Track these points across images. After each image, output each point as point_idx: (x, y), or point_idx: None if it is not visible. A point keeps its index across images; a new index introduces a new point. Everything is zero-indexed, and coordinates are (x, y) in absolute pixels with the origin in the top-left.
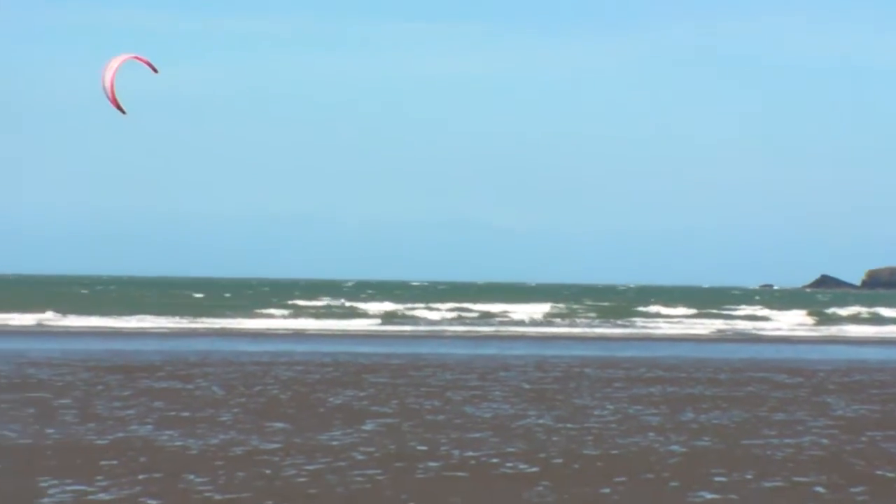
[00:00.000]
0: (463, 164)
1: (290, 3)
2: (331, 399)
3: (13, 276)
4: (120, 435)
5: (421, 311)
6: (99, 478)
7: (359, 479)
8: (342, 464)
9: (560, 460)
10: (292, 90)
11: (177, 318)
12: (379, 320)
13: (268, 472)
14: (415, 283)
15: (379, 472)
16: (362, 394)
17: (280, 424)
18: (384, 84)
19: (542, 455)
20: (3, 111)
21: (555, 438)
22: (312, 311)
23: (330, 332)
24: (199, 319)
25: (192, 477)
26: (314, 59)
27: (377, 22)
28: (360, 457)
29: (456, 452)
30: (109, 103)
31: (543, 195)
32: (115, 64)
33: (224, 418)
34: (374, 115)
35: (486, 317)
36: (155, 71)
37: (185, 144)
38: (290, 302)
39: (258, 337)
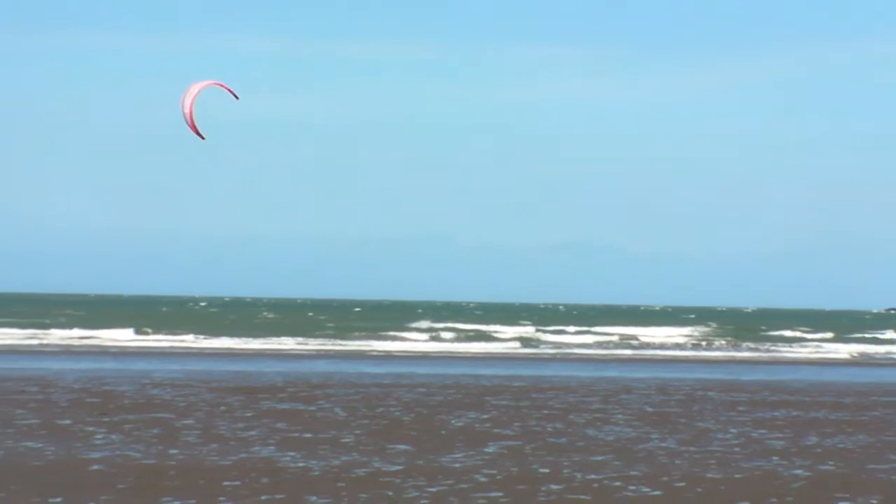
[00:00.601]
0: (586, 187)
1: (408, 28)
2: (453, 421)
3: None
4: (242, 456)
5: (543, 334)
6: (221, 499)
7: (481, 501)
8: (464, 486)
9: (682, 484)
10: (418, 114)
11: (300, 339)
12: (503, 343)
13: (390, 493)
14: (540, 305)
15: (501, 494)
16: (484, 416)
17: (402, 446)
18: (505, 107)
19: (665, 479)
20: (126, 135)
21: (677, 462)
22: (437, 333)
23: (452, 354)
24: (329, 341)
25: (314, 498)
26: (434, 84)
27: (497, 46)
28: (482, 479)
29: (578, 475)
30: (188, 129)
31: (667, 218)
32: (195, 90)
33: (346, 440)
34: (495, 139)
35: (608, 339)
36: (236, 97)
37: (296, 169)
38: (412, 325)
39: (380, 359)
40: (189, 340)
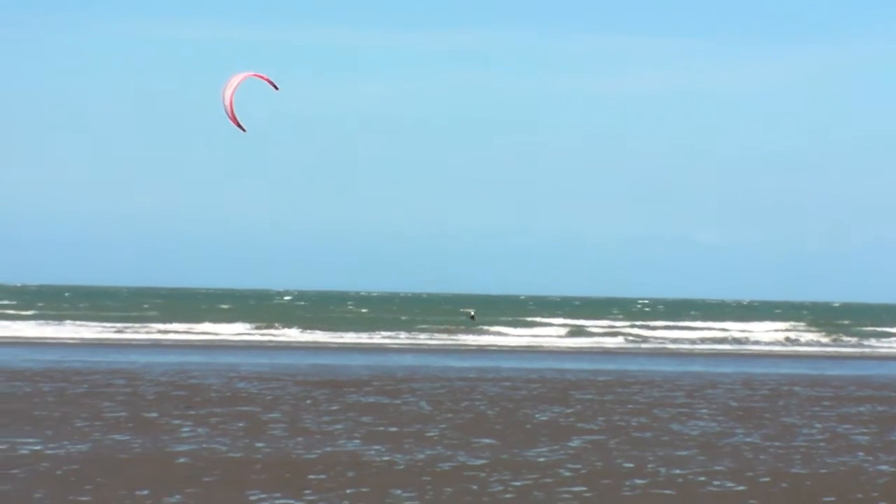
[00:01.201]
0: (662, 179)
1: (476, 18)
2: (537, 415)
3: (240, 290)
4: (328, 449)
5: (628, 328)
6: (307, 492)
7: (565, 495)
8: (549, 480)
9: (767, 479)
10: (493, 105)
11: (381, 333)
12: (584, 336)
13: (475, 487)
14: (616, 299)
15: (585, 489)
16: (569, 410)
17: (487, 440)
18: (576, 98)
19: (750, 473)
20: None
21: (762, 457)
22: (519, 325)
23: (533, 349)
24: (412, 334)
25: (399, 492)
26: (506, 75)
27: (568, 35)
28: (567, 473)
29: (662, 470)
30: (229, 120)
31: (744, 211)
32: (235, 82)
33: (431, 434)
34: (568, 130)
35: (690, 333)
36: (276, 88)
37: (365, 161)
38: (495, 318)
39: (465, 352)
40: (276, 334)
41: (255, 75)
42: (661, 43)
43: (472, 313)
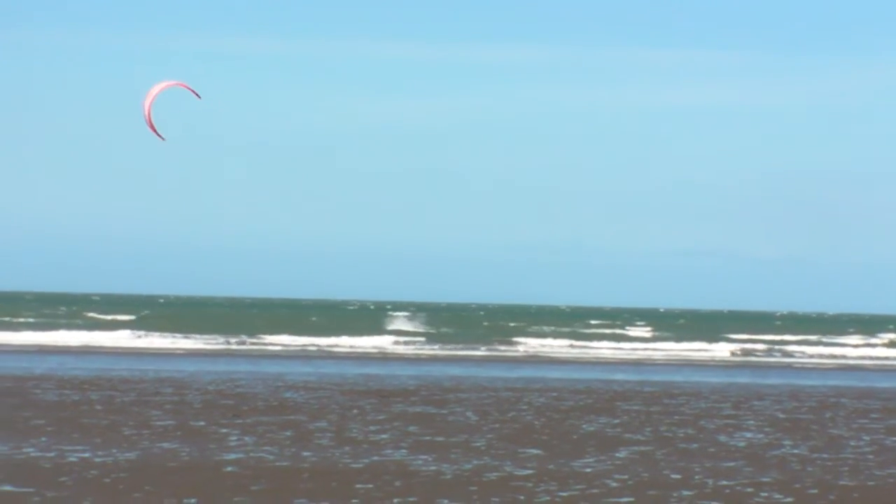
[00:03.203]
0: (712, 192)
1: (539, 30)
2: (584, 426)
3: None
4: (375, 459)
5: (670, 340)
6: (354, 501)
7: None
8: (595, 491)
9: (815, 491)
10: (548, 117)
11: (434, 343)
12: (633, 347)
13: (521, 497)
14: (661, 310)
15: (632, 499)
16: (615, 421)
17: (534, 451)
18: (630, 111)
19: (797, 485)
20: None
21: (810, 469)
22: (567, 336)
23: (579, 359)
24: (460, 345)
25: (445, 502)
26: (563, 87)
27: (625, 49)
28: (614, 484)
29: (710, 481)
30: (147, 128)
31: (792, 224)
32: (155, 91)
33: (478, 444)
34: (621, 143)
35: (736, 345)
36: (198, 97)
37: (427, 174)
38: (543, 329)
39: (512, 362)
40: (320, 343)
41: (178, 84)
42: (712, 55)
43: None
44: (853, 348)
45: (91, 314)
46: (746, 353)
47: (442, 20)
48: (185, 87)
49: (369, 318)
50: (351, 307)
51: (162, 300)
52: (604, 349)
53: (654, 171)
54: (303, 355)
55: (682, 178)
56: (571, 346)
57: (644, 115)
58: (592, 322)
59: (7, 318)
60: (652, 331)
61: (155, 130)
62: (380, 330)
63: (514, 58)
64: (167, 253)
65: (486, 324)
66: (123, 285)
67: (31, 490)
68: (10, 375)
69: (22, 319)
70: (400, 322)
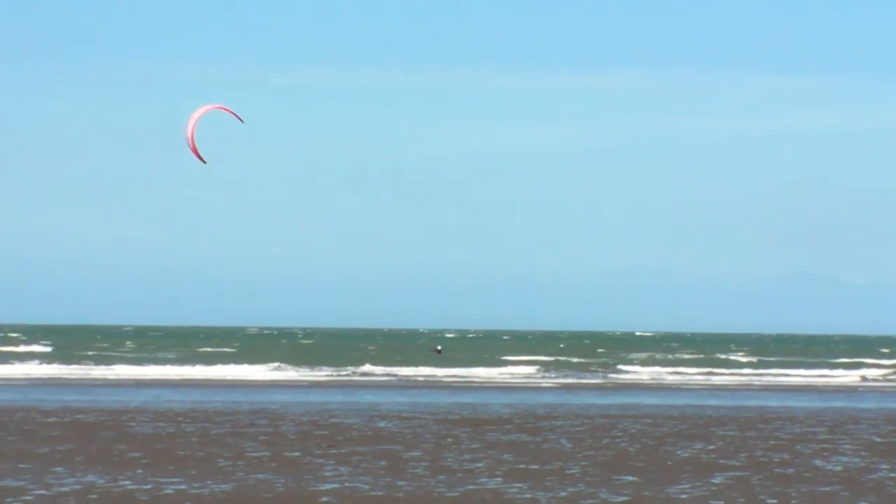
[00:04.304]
0: (801, 217)
1: (632, 57)
2: (679, 452)
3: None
4: (469, 487)
5: (763, 365)
6: None
7: None
8: None
9: None
10: (637, 143)
11: (528, 370)
12: (722, 370)
13: None
14: (753, 335)
15: None
16: (711, 447)
17: (629, 477)
18: (716, 137)
19: None
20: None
21: None
22: (656, 364)
23: (671, 386)
24: (552, 372)
25: None
26: (651, 114)
27: (708, 74)
28: None
29: None
30: (190, 152)
31: (885, 247)
32: (197, 115)
33: (572, 471)
34: (706, 170)
35: (830, 370)
36: (241, 121)
37: (513, 202)
38: (634, 356)
39: (605, 389)
40: (415, 373)
41: (220, 108)
42: (806, 81)
43: (439, 348)
44: None
45: (196, 347)
46: (840, 376)
47: (536, 51)
48: (228, 110)
49: (463, 345)
50: (451, 335)
51: (266, 332)
52: (696, 375)
53: (743, 196)
54: (396, 385)
55: (771, 202)
56: (662, 372)
57: (730, 140)
58: (680, 347)
59: (106, 353)
60: (738, 354)
61: (198, 154)
62: (486, 360)
63: (598, 85)
64: (276, 287)
65: (600, 350)
66: (226, 318)
67: None
68: (106, 409)
69: (116, 353)
70: (500, 348)
